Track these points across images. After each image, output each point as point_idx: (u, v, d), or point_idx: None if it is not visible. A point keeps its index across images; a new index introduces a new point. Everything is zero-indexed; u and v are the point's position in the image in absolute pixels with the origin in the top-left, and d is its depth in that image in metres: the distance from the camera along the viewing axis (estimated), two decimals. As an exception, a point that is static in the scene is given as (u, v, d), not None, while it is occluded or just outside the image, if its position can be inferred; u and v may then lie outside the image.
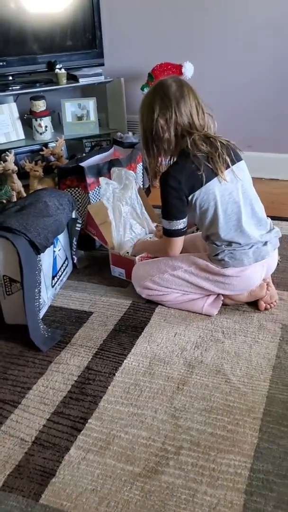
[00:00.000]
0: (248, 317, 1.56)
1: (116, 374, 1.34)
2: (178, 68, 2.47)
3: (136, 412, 1.22)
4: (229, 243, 1.48)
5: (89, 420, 1.20)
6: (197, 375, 1.32)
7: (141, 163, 2.18)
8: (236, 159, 1.47)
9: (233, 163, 1.46)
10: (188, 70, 2.46)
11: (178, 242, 1.53)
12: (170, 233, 1.51)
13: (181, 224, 1.48)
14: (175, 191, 1.43)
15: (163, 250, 1.57)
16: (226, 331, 1.50)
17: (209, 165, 1.41)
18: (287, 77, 2.47)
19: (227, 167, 1.44)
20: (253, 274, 1.51)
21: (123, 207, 1.81)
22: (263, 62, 2.47)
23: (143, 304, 1.64)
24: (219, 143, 1.43)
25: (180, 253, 1.56)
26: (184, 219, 1.48)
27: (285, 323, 1.51)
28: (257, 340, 1.45)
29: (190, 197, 1.44)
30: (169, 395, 1.26)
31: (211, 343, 1.45)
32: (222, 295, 1.59)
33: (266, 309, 1.58)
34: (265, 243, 1.51)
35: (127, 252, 1.76)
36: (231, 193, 1.45)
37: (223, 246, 1.49)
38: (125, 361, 1.39)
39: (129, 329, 1.53)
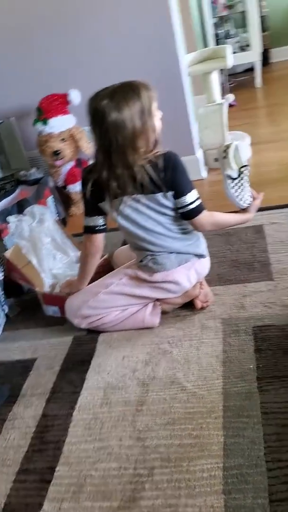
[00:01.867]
0: (189, 321, 1.59)
1: (73, 413, 1.32)
2: (64, 97, 2.50)
3: (102, 445, 1.20)
4: None
5: (56, 468, 1.17)
6: (153, 392, 1.33)
7: (51, 196, 2.17)
8: None
9: None
10: (75, 98, 2.49)
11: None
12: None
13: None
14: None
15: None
16: (172, 340, 1.51)
17: None
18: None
19: None
20: (180, 277, 1.55)
21: (42, 239, 1.79)
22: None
23: (85, 336, 1.63)
24: None
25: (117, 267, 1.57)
26: None
27: (223, 317, 1.56)
28: (202, 341, 1.48)
29: None
30: (130, 419, 1.26)
31: (160, 356, 1.46)
32: (160, 301, 1.61)
33: (202, 307, 1.62)
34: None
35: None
36: None
37: (142, 252, 1.53)
38: (79, 398, 1.37)
39: (77, 365, 1.50)
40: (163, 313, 1.62)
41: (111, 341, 1.58)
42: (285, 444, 1.09)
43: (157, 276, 1.54)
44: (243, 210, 1.61)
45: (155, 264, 1.53)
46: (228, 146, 1.56)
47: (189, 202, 1.45)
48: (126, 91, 1.33)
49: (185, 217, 1.49)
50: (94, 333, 1.62)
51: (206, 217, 1.50)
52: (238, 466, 1.06)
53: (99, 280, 1.63)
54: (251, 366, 1.32)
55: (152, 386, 1.35)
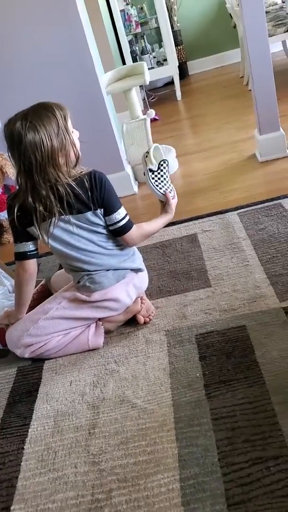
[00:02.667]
0: (133, 337, 1.59)
1: (24, 447, 1.28)
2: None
3: (57, 475, 1.17)
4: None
5: (12, 507, 1.13)
6: (104, 413, 1.32)
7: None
8: None
9: None
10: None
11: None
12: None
13: None
14: None
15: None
16: (118, 358, 1.51)
17: None
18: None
19: None
20: (120, 294, 1.56)
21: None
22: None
23: (30, 365, 1.59)
24: None
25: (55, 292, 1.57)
26: None
27: (167, 328, 1.58)
28: (148, 355, 1.49)
29: None
30: (84, 444, 1.24)
31: (107, 376, 1.45)
32: (102, 320, 1.61)
33: (145, 322, 1.63)
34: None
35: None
36: None
37: (79, 264, 1.53)
38: (29, 430, 1.33)
39: (24, 396, 1.46)
40: (107, 332, 1.62)
41: (57, 367, 1.55)
42: (236, 447, 1.11)
43: (96, 295, 1.54)
44: (164, 212, 1.66)
45: (92, 283, 1.53)
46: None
47: (119, 219, 1.49)
48: (39, 111, 1.35)
49: (116, 233, 1.52)
50: (38, 361, 1.59)
51: (135, 231, 1.54)
52: (194, 476, 1.08)
53: (38, 306, 1.60)
54: (198, 374, 1.35)
55: (103, 408, 1.34)
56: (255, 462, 1.07)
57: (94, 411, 1.33)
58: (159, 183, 1.64)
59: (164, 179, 1.65)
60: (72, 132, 1.42)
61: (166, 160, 1.67)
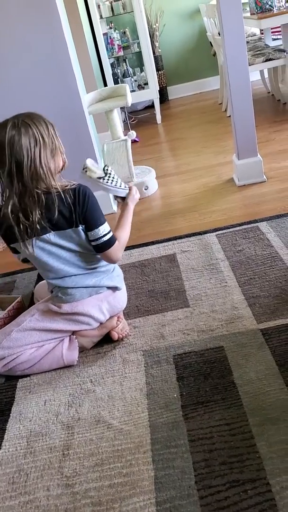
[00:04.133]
0: (110, 356, 1.57)
1: (-5, 469, 1.24)
2: None
3: (28, 499, 1.13)
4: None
5: (-20, 533, 1.08)
6: (78, 434, 1.28)
7: None
8: None
9: None
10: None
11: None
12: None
13: None
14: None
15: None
16: (94, 378, 1.49)
17: None
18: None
19: None
20: (91, 309, 1.55)
21: None
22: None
23: (3, 384, 1.55)
24: None
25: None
26: None
27: (144, 348, 1.56)
28: (125, 375, 1.47)
29: None
30: (57, 466, 1.20)
31: (83, 396, 1.42)
32: (76, 334, 1.58)
33: (119, 338, 1.61)
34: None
35: None
36: None
37: (53, 281, 1.52)
38: (0, 451, 1.29)
39: (-4, 415, 1.42)
40: (82, 349, 1.59)
41: (31, 386, 1.51)
42: (213, 469, 1.10)
43: (66, 307, 1.54)
44: (123, 205, 1.68)
45: (64, 294, 1.53)
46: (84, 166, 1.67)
47: (102, 234, 1.48)
48: (30, 115, 1.37)
49: (99, 249, 1.51)
50: (12, 379, 1.55)
51: (117, 246, 1.54)
52: (171, 499, 1.05)
53: (13, 320, 1.58)
54: (175, 395, 1.34)
55: (77, 428, 1.30)
56: (232, 485, 1.06)
57: (68, 432, 1.30)
58: (116, 182, 1.67)
59: (116, 177, 1.68)
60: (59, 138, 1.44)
61: (107, 164, 1.71)
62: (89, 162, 1.66)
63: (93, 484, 1.13)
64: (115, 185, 1.66)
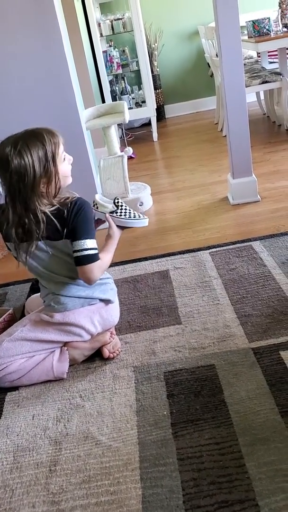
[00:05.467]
0: (100, 372, 1.56)
1: (-20, 484, 1.21)
2: None
3: (13, 516, 1.11)
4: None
5: None
6: (66, 450, 1.27)
7: None
8: None
9: None
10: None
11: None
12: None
13: None
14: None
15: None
16: (84, 393, 1.47)
17: None
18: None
19: None
20: (82, 320, 1.55)
21: None
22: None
23: (-9, 396, 1.53)
24: None
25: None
26: None
27: (135, 364, 1.55)
28: (115, 391, 1.46)
29: None
30: (43, 482, 1.18)
31: (72, 411, 1.41)
32: (67, 346, 1.57)
33: (109, 357, 1.60)
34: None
35: None
36: None
37: (46, 289, 1.53)
38: (-14, 465, 1.27)
39: (-17, 429, 1.40)
40: (73, 362, 1.58)
41: (19, 399, 1.49)
42: (202, 489, 1.09)
43: (58, 317, 1.53)
44: (109, 237, 1.61)
45: (57, 303, 1.53)
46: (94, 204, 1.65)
47: (86, 247, 1.44)
48: (30, 138, 1.37)
49: (78, 261, 1.45)
50: (0, 393, 1.53)
51: (98, 264, 1.48)
52: (158, 519, 1.04)
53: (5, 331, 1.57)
54: (165, 413, 1.33)
55: (65, 444, 1.29)
56: (220, 505, 1.04)
57: (56, 447, 1.28)
58: (130, 213, 1.63)
59: (129, 208, 1.66)
60: (64, 158, 1.45)
61: (116, 197, 1.68)
62: (97, 197, 1.66)
63: (79, 502, 1.11)
64: (129, 217, 1.62)
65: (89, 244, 1.45)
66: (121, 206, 1.63)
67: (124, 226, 1.63)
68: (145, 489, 1.11)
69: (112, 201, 1.66)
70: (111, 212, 1.61)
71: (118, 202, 1.64)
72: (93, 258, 1.46)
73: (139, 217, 1.64)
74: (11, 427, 1.39)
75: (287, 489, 1.05)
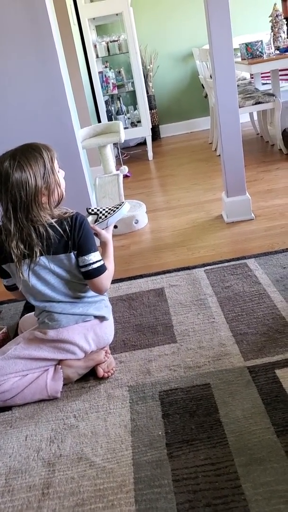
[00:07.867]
0: (95, 391, 1.54)
1: (-29, 507, 1.19)
2: None
3: None
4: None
5: None
6: (59, 472, 1.24)
7: None
8: None
9: None
10: None
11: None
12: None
13: None
14: None
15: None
16: (78, 413, 1.45)
17: None
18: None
19: None
20: (76, 337, 1.54)
21: None
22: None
23: (-17, 417, 1.51)
24: None
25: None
26: None
27: (130, 384, 1.54)
28: (109, 411, 1.44)
29: None
30: (36, 506, 1.16)
31: (66, 431, 1.39)
32: (61, 364, 1.56)
33: (103, 377, 1.58)
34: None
35: None
36: None
37: (40, 306, 1.53)
38: (-22, 488, 1.24)
39: (-26, 450, 1.38)
40: (67, 381, 1.56)
41: (12, 420, 1.47)
42: (197, 511, 1.07)
43: (52, 333, 1.52)
44: (105, 240, 1.68)
45: (51, 320, 1.53)
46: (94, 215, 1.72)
47: (93, 261, 1.49)
48: (27, 151, 1.40)
49: (88, 276, 1.51)
50: (-7, 413, 1.51)
51: (107, 274, 1.55)
52: None
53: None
54: (160, 433, 1.31)
55: (59, 465, 1.26)
56: (216, 528, 1.03)
57: (49, 469, 1.26)
58: (110, 210, 1.70)
59: (103, 208, 1.72)
60: (58, 172, 1.48)
61: (87, 208, 1.75)
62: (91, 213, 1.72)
63: (72, 525, 1.09)
64: (113, 212, 1.68)
65: (95, 257, 1.51)
66: (97, 210, 1.69)
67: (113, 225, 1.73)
68: (139, 511, 1.09)
69: (88, 213, 1.69)
70: (95, 222, 1.66)
71: (92, 210, 1.69)
72: (102, 269, 1.52)
73: (118, 206, 1.70)
74: (3, 448, 1.36)
75: (283, 511, 1.04)
